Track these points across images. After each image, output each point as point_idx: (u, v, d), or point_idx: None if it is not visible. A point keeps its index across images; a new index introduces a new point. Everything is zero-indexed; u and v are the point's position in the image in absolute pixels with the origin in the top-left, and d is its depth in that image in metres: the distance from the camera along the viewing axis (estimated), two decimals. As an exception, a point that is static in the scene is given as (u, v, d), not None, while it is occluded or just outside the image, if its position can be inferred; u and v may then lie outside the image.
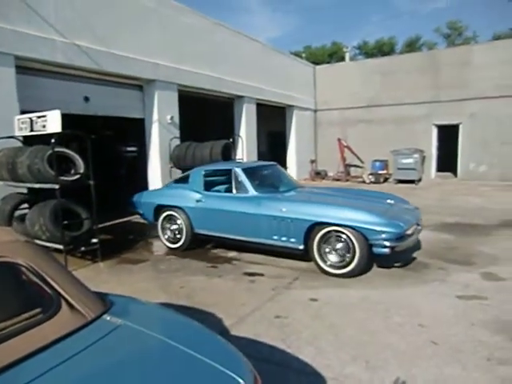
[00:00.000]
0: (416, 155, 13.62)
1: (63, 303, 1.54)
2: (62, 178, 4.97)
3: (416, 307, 3.63)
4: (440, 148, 14.80)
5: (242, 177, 5.39)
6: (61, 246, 4.89)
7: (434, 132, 14.64)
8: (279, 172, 6.33)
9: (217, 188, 6.01)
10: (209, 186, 5.87)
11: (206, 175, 5.89)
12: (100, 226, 5.70)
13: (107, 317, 1.58)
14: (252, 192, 5.26)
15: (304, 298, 3.93)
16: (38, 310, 1.55)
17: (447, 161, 14.49)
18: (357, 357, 2.82)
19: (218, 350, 1.55)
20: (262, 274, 4.73)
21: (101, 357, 1.38)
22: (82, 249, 5.32)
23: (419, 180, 13.85)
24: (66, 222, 4.95)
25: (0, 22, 5.76)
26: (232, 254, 5.64)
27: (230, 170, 5.66)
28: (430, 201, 9.45)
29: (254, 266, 5.08)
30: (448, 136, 14.20)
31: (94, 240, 5.35)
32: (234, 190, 5.45)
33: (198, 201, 5.63)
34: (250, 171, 5.56)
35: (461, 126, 14.00)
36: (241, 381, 1.33)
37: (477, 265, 4.81)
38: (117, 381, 1.29)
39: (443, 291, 4.01)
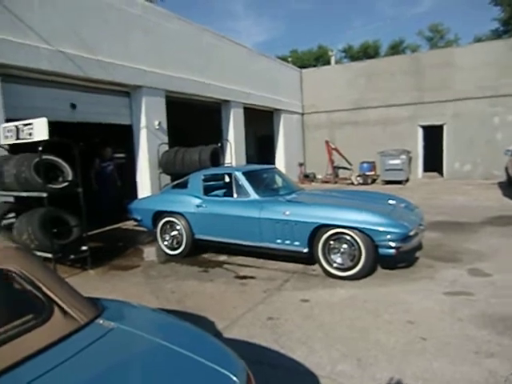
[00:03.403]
0: (403, 156, 13.82)
1: (55, 308, 1.55)
2: (50, 185, 4.94)
3: (404, 304, 3.70)
4: (426, 148, 15.06)
5: (243, 181, 5.36)
6: (50, 255, 4.85)
7: (420, 133, 14.89)
8: (279, 175, 6.32)
9: (216, 192, 5.98)
10: (208, 191, 5.83)
11: (205, 180, 5.86)
12: (89, 233, 5.67)
13: (100, 321, 1.60)
14: (253, 196, 5.24)
15: (295, 300, 3.97)
16: (29, 317, 1.55)
17: (433, 161, 14.75)
18: (347, 355, 2.86)
19: (212, 350, 1.58)
20: (253, 277, 4.76)
21: (95, 360, 1.39)
22: (72, 257, 5.27)
23: (407, 180, 14.05)
24: (54, 231, 4.91)
25: (-17, 30, 5.72)
26: (223, 257, 5.66)
27: (230, 174, 5.65)
28: (417, 200, 9.54)
29: (244, 269, 5.11)
30: (433, 136, 14.46)
31: (84, 248, 5.31)
32: (235, 195, 5.40)
33: (198, 206, 5.58)
34: (250, 175, 5.53)
35: (445, 127, 14.28)
36: (235, 378, 1.36)
37: (463, 261, 4.92)
38: (112, 383, 1.30)
39: (431, 288, 4.09)
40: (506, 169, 11.48)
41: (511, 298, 3.72)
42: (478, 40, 28.15)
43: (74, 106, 7.45)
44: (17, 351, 1.34)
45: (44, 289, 1.59)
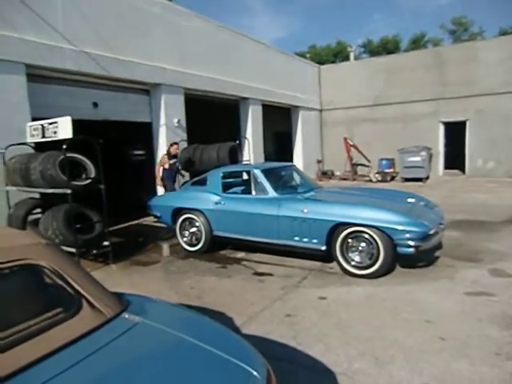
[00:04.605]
0: (423, 153, 13.58)
1: (84, 302, 1.63)
2: (74, 182, 5.09)
3: (423, 304, 3.67)
4: (447, 145, 14.74)
5: (262, 178, 5.39)
6: (73, 250, 5.01)
7: (441, 129, 14.59)
8: (297, 173, 6.33)
9: (234, 190, 6.03)
10: (226, 188, 5.89)
11: (223, 177, 5.92)
12: (110, 229, 5.82)
13: (125, 315, 1.67)
14: (272, 193, 5.26)
15: (313, 297, 4.00)
16: (59, 310, 1.63)
17: (455, 158, 14.43)
18: (364, 352, 2.87)
19: (233, 345, 1.63)
20: (271, 274, 4.80)
21: (122, 353, 1.46)
22: (94, 251, 5.43)
23: (427, 178, 13.81)
24: (78, 226, 5.06)
25: (10, 31, 5.91)
26: (241, 254, 5.72)
27: (249, 171, 5.70)
28: (437, 198, 9.39)
29: (262, 266, 5.15)
30: (455, 133, 14.14)
31: (106, 243, 5.46)
32: (254, 192, 5.44)
33: (216, 203, 5.65)
34: (268, 172, 5.55)
35: (468, 123, 13.94)
36: (255, 373, 1.41)
37: (484, 261, 4.83)
38: (138, 375, 1.37)
39: (451, 288, 4.05)
40: (532, 166, 11.15)
41: (534, 300, 3.65)
42: (504, 33, 27.26)
43: (96, 105, 7.64)
44: (49, 342, 1.42)
45: (73, 283, 1.67)
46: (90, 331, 1.50)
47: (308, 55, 26.21)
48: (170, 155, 8.15)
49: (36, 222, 5.49)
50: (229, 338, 1.71)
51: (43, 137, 5.40)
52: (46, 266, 1.67)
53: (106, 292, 1.75)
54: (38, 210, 5.80)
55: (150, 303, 2.03)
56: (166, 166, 8.03)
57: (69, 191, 4.97)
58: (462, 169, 14.42)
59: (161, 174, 8.09)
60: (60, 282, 1.66)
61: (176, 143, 8.33)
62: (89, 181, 5.29)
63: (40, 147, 5.79)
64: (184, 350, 1.51)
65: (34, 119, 5.95)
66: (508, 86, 13.00)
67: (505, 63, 13.02)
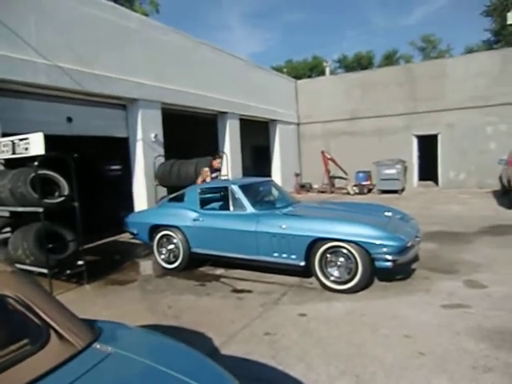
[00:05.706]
0: (398, 165, 13.91)
1: (52, 333, 1.54)
2: (46, 200, 4.92)
3: (402, 318, 3.70)
4: (421, 157, 15.18)
5: (239, 194, 5.35)
6: (45, 270, 4.81)
7: (415, 142, 15.02)
8: (275, 188, 6.32)
9: (212, 206, 5.95)
10: (204, 204, 5.82)
11: (201, 193, 5.85)
12: (85, 246, 5.63)
13: (97, 345, 1.59)
14: (250, 209, 5.23)
15: (292, 314, 3.96)
16: (25, 341, 1.54)
17: (428, 170, 14.86)
18: (345, 371, 2.85)
19: (207, 373, 1.57)
20: (250, 291, 4.74)
21: (92, 387, 1.38)
22: (68, 272, 5.23)
23: (402, 190, 14.12)
24: (50, 246, 4.87)
25: (-20, 45, 5.75)
26: (220, 271, 5.64)
27: (226, 187, 5.65)
28: (413, 210, 9.59)
29: (242, 282, 5.09)
30: (428, 146, 14.59)
31: (80, 262, 5.27)
32: (232, 208, 5.40)
33: (194, 219, 5.57)
34: (246, 188, 5.52)
35: (439, 136, 14.42)
36: (232, 404, 1.36)
37: (460, 273, 4.93)
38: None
39: (428, 301, 4.09)
40: (500, 178, 11.58)
41: (508, 311, 3.73)
42: (470, 50, 28.59)
43: (70, 120, 7.47)
44: (14, 380, 1.33)
45: (40, 313, 1.58)
46: (58, 365, 1.41)
47: (285, 69, 26.68)
48: (212, 169, 7.99)
49: (5, 242, 5.26)
50: (204, 365, 1.65)
51: (13, 153, 5.20)
52: (10, 296, 1.58)
53: (76, 321, 1.66)
54: (8, 229, 5.57)
55: (122, 330, 1.94)
56: (208, 180, 7.84)
57: (40, 210, 4.80)
58: (436, 180, 14.84)
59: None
60: (26, 312, 1.57)
61: (219, 156, 8.08)
62: (62, 198, 5.13)
63: (10, 164, 5.59)
64: (157, 381, 1.44)
65: (3, 135, 5.75)
66: (475, 100, 13.56)
67: (472, 79, 13.61)
